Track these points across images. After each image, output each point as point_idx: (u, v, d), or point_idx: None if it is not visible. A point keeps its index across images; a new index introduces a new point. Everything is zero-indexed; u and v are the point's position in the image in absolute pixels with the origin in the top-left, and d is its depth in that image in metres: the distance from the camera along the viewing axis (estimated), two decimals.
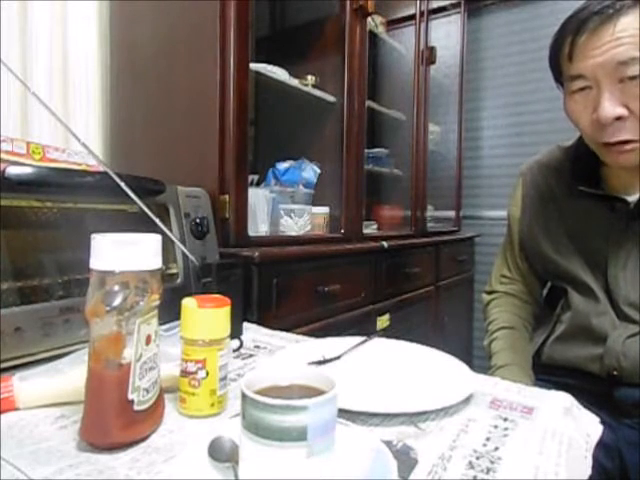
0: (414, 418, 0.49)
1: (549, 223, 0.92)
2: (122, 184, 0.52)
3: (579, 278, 0.86)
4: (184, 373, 0.48)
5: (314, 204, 1.41)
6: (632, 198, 0.82)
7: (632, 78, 0.70)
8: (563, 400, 0.55)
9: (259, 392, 0.32)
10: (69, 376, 0.50)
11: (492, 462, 0.41)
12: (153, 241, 0.43)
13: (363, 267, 1.39)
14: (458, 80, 2.24)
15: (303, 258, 1.14)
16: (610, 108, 0.71)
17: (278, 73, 1.28)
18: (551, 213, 0.92)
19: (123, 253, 0.41)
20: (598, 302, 0.83)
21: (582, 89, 0.75)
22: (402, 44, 1.88)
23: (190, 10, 1.10)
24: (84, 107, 1.26)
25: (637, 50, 0.69)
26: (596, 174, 0.84)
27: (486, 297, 1.06)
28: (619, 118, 0.72)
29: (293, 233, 1.28)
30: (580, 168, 0.84)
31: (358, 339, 0.71)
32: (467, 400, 0.53)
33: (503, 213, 1.06)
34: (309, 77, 1.40)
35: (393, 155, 1.90)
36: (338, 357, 0.65)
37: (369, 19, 1.50)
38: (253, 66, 1.14)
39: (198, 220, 0.87)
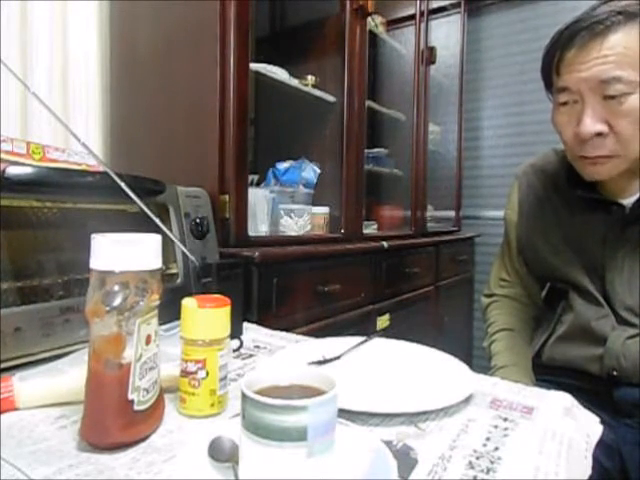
0: (414, 418, 0.49)
1: (546, 227, 0.92)
2: (122, 184, 0.52)
3: (578, 282, 0.86)
4: (184, 373, 0.48)
5: (314, 204, 1.41)
6: (628, 202, 0.82)
7: (614, 97, 0.71)
8: (563, 400, 0.55)
9: (259, 392, 0.32)
10: (69, 376, 0.50)
11: (492, 462, 0.41)
12: (153, 241, 0.43)
13: (363, 267, 1.39)
14: (458, 80, 2.24)
15: (303, 258, 1.14)
16: (590, 124, 0.72)
17: (278, 73, 1.28)
18: (548, 217, 0.92)
19: (123, 253, 0.41)
20: (598, 305, 0.83)
21: (568, 103, 0.76)
22: (402, 44, 1.88)
23: (190, 10, 1.09)
24: (84, 107, 1.25)
25: (621, 69, 0.69)
26: None
27: (485, 300, 1.06)
28: (599, 134, 0.73)
29: (293, 233, 1.28)
30: (576, 173, 0.84)
31: (358, 339, 0.71)
32: (467, 400, 0.53)
33: (503, 213, 1.05)
34: (309, 77, 1.41)
35: (393, 155, 1.90)
36: (338, 357, 0.65)
37: (369, 19, 1.49)
38: (253, 66, 1.14)
39: (198, 220, 0.87)
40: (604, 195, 0.84)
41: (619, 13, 0.70)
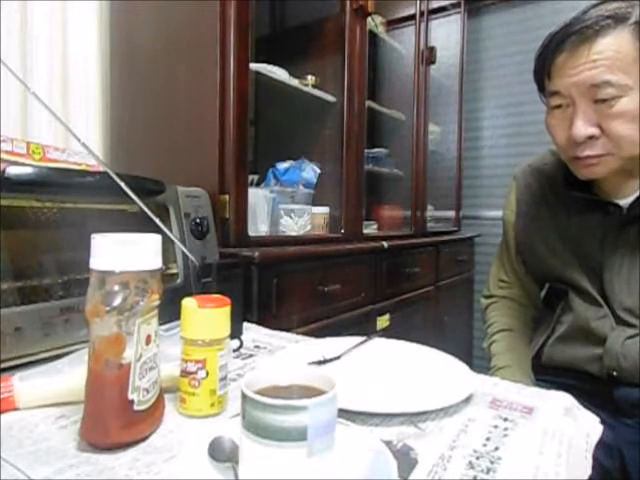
0: (414, 418, 0.49)
1: (544, 228, 0.92)
2: (122, 184, 0.52)
3: (576, 282, 0.86)
4: (184, 373, 0.48)
5: (314, 204, 1.41)
6: (625, 202, 0.82)
7: (605, 100, 0.71)
8: (563, 400, 0.55)
9: (259, 392, 0.32)
10: (69, 376, 0.50)
11: (492, 462, 0.41)
12: (153, 241, 0.43)
13: (363, 267, 1.39)
14: (458, 80, 2.24)
15: (303, 258, 1.14)
16: (582, 128, 0.73)
17: (278, 73, 1.28)
18: (545, 218, 0.92)
19: (123, 253, 0.41)
20: (597, 306, 0.83)
21: (560, 106, 0.77)
22: (402, 44, 1.88)
23: (190, 10, 1.10)
24: (84, 107, 1.26)
25: (611, 73, 0.70)
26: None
27: (484, 301, 1.06)
28: (591, 137, 0.73)
29: (293, 233, 1.28)
30: (572, 174, 0.84)
31: (358, 339, 0.71)
32: (467, 400, 0.53)
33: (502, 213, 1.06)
34: (309, 77, 1.41)
35: (393, 155, 1.90)
36: (338, 357, 0.65)
37: (369, 19, 1.50)
38: (253, 66, 1.14)
39: (198, 220, 0.87)
40: (601, 196, 0.84)
41: (608, 17, 0.70)
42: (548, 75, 0.77)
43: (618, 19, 0.70)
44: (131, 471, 0.38)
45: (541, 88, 0.82)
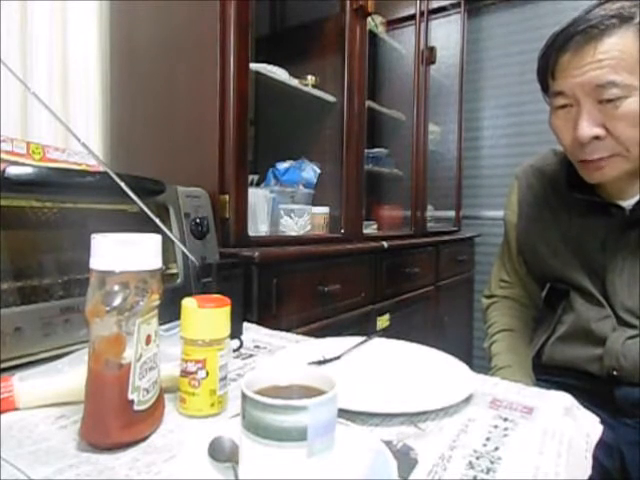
0: (414, 418, 0.49)
1: (545, 228, 0.92)
2: (122, 184, 0.52)
3: (578, 283, 0.86)
4: (184, 373, 0.48)
5: (314, 204, 1.41)
6: (628, 204, 0.81)
7: (610, 100, 0.70)
8: (563, 400, 0.55)
9: (259, 392, 0.32)
10: (69, 376, 0.50)
11: (492, 462, 0.41)
12: (153, 241, 0.43)
13: (363, 267, 1.39)
14: (458, 80, 2.24)
15: (303, 258, 1.14)
16: (587, 128, 0.72)
17: (278, 73, 1.28)
18: (547, 218, 0.92)
19: (123, 253, 0.41)
20: (599, 306, 0.83)
21: (564, 106, 0.76)
22: (402, 44, 1.88)
23: (190, 10, 1.10)
24: (84, 107, 1.26)
25: (616, 74, 0.69)
26: None
27: (485, 301, 1.06)
28: (596, 138, 0.73)
29: (293, 233, 1.28)
30: (575, 175, 0.84)
31: (358, 339, 0.71)
32: (467, 400, 0.53)
33: (502, 213, 1.05)
34: (309, 77, 1.41)
35: (393, 155, 1.90)
36: (338, 357, 0.65)
37: (369, 19, 1.50)
38: (253, 66, 1.14)
39: (198, 220, 0.87)
40: (603, 197, 0.84)
41: (613, 16, 0.70)
42: (552, 75, 0.77)
43: (623, 19, 0.69)
44: (131, 471, 0.38)
45: (544, 88, 0.82)
